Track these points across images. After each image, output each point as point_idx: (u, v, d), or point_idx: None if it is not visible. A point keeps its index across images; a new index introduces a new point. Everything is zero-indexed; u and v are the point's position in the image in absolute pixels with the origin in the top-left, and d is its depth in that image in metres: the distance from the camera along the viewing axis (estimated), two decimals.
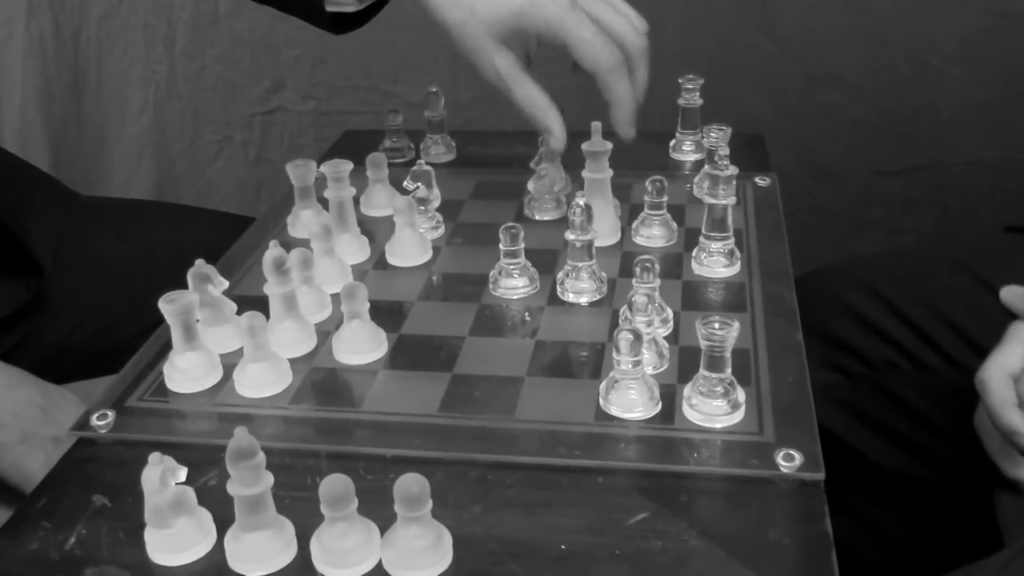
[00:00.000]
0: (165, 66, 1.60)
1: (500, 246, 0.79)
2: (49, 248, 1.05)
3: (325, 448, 0.64)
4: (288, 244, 0.88)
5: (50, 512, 0.61)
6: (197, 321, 0.70)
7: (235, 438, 0.54)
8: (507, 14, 0.77)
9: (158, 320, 1.09)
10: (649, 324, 0.68)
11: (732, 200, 0.78)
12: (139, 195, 1.63)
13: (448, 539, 0.55)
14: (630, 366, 0.64)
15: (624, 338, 0.63)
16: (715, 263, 0.80)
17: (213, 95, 1.62)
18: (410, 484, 0.54)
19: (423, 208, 0.87)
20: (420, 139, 1.09)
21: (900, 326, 0.98)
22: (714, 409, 0.64)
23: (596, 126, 0.84)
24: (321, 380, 0.70)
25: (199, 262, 0.73)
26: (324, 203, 0.91)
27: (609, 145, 0.84)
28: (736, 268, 0.81)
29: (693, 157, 1.04)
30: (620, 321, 0.74)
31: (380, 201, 0.93)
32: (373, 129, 1.23)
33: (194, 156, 1.66)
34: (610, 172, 0.84)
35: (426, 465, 0.62)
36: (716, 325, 0.62)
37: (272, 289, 0.71)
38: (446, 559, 0.55)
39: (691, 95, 1.02)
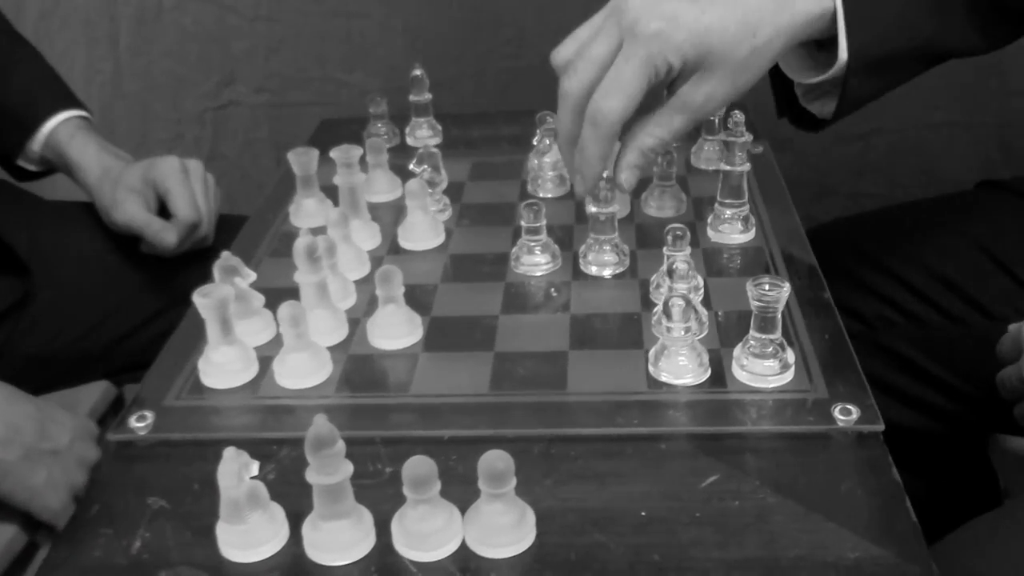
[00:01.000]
0: (110, 64, 1.55)
1: (521, 223, 0.78)
2: (22, 252, 1.01)
3: (380, 434, 0.63)
4: (292, 235, 0.86)
5: (106, 518, 0.59)
6: None
7: (315, 426, 0.53)
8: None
9: (146, 320, 1.07)
10: (696, 290, 0.68)
11: (747, 166, 0.79)
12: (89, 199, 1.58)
13: (531, 515, 0.55)
14: (682, 332, 0.65)
15: (677, 304, 0.64)
16: (731, 229, 0.81)
17: (162, 92, 1.58)
18: (495, 460, 0.53)
19: (431, 191, 0.87)
20: (403, 124, 1.08)
21: (890, 282, 1.00)
22: (765, 369, 0.65)
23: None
24: (361, 367, 0.69)
25: (225, 254, 0.71)
26: (327, 191, 0.89)
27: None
28: (751, 234, 0.82)
29: None
30: (652, 290, 0.74)
31: (381, 186, 0.92)
32: (349, 117, 1.21)
33: (144, 156, 1.61)
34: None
35: (485, 444, 0.61)
36: (767, 286, 0.63)
37: (304, 277, 0.70)
38: (531, 535, 0.55)
39: None
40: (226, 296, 0.66)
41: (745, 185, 0.80)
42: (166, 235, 0.97)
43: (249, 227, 0.90)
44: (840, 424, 0.62)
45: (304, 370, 0.67)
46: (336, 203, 0.89)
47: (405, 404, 0.66)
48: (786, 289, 0.62)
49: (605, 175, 0.74)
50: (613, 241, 0.78)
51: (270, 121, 1.61)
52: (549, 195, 0.91)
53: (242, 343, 0.68)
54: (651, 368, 0.67)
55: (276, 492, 0.56)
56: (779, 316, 0.64)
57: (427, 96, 1.04)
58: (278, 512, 0.56)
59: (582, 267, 0.79)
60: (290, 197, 0.94)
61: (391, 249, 0.84)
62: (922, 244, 1.01)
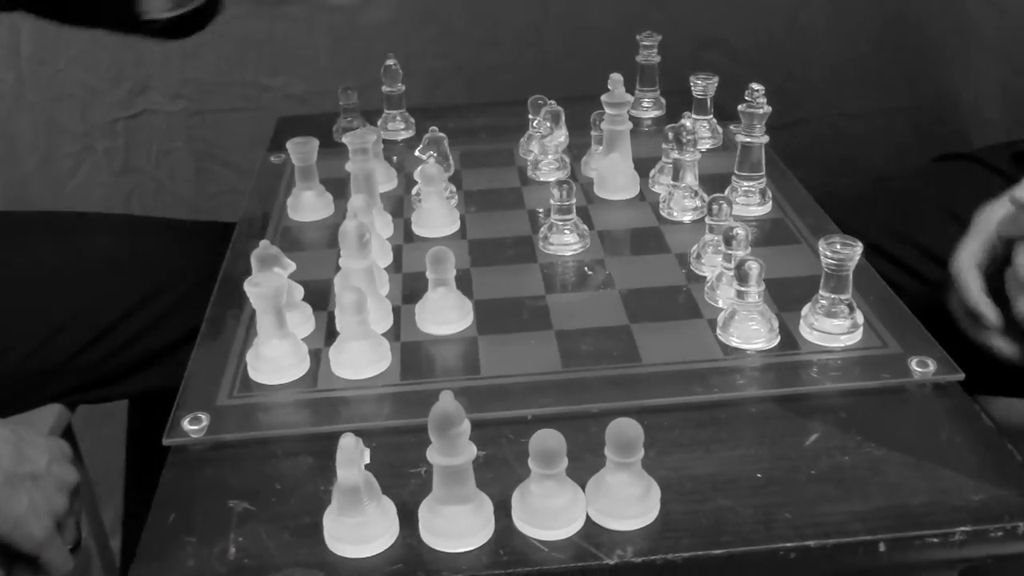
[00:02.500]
0: (12, 74, 1.45)
1: (552, 202, 0.77)
2: None
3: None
4: (291, 229, 0.82)
5: (187, 526, 0.54)
6: None
7: (441, 403, 0.50)
8: None
9: (103, 332, 1.00)
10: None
11: (766, 138, 0.80)
12: None
13: (656, 486, 0.53)
14: (756, 297, 0.64)
15: (751, 268, 0.63)
16: (749, 202, 0.82)
17: (69, 102, 1.48)
18: (625, 427, 0.52)
19: None
20: (371, 117, 1.04)
21: (868, 253, 1.03)
22: (836, 328, 0.65)
23: (616, 78, 0.83)
24: (419, 353, 0.66)
25: (264, 243, 0.67)
26: (336, 183, 0.86)
27: (630, 98, 0.84)
28: (768, 206, 0.83)
29: (653, 113, 1.05)
30: (693, 260, 0.74)
31: (378, 176, 0.88)
32: (306, 115, 1.17)
33: (50, 170, 1.51)
34: (629, 124, 0.84)
35: (570, 420, 0.60)
36: (838, 245, 0.63)
37: (353, 263, 0.66)
38: (656, 506, 0.53)
39: (649, 52, 1.03)
40: (280, 286, 0.62)
41: (763, 158, 0.81)
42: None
43: (244, 227, 0.85)
44: (917, 376, 0.62)
45: (365, 359, 0.64)
46: (334, 195, 0.86)
47: (478, 387, 0.63)
48: (859, 248, 0.63)
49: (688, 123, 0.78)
50: (693, 188, 0.80)
51: (188, 129, 1.53)
52: (551, 179, 0.90)
53: (294, 336, 0.64)
54: (720, 334, 0.66)
55: None
56: (850, 275, 0.64)
57: (400, 87, 1.01)
58: (389, 504, 0.53)
59: (664, 213, 0.82)
60: (274, 193, 0.90)
61: (406, 237, 0.81)
62: (894, 215, 1.04)
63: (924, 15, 1.53)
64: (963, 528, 0.52)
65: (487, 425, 0.60)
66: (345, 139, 0.79)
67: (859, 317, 0.65)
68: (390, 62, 1.00)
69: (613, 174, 0.85)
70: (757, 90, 0.78)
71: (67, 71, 1.47)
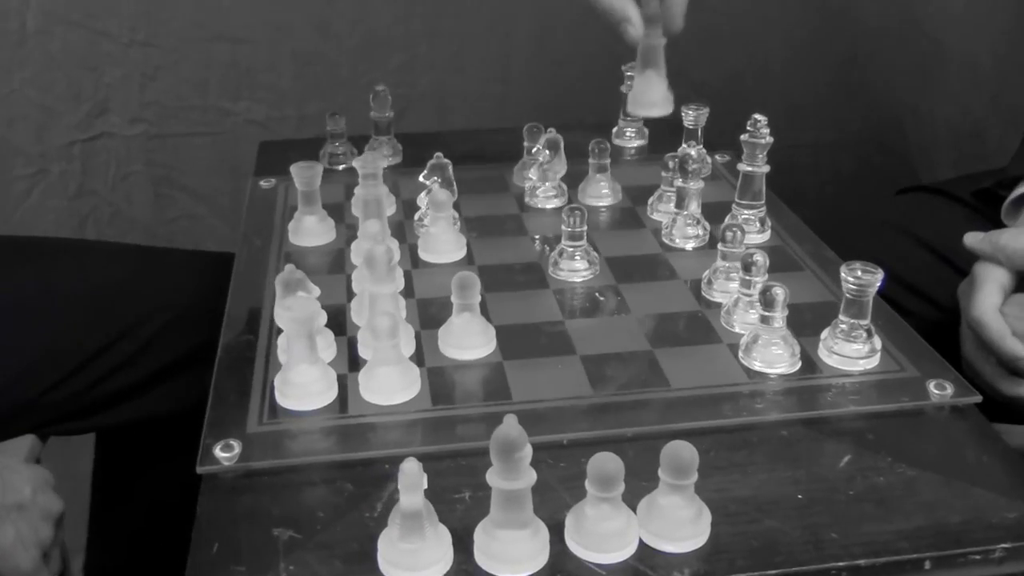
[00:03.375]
0: None
1: (563, 227, 0.77)
2: None
3: None
4: (292, 255, 0.82)
5: (234, 556, 0.53)
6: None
7: (505, 426, 0.50)
8: None
9: (80, 365, 0.97)
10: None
11: (767, 168, 0.82)
12: None
13: (707, 509, 0.54)
14: (781, 322, 0.66)
15: (777, 294, 0.65)
16: (750, 230, 0.83)
17: (24, 124, 1.44)
18: (680, 449, 0.52)
19: None
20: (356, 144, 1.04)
21: None
22: (855, 352, 0.67)
23: None
24: (446, 379, 0.66)
25: (289, 267, 0.66)
26: (329, 208, 0.85)
27: (661, 14, 0.82)
28: (768, 234, 0.84)
29: (636, 143, 1.07)
30: (704, 286, 0.75)
31: None
32: (286, 139, 1.16)
33: (2, 193, 1.47)
34: (664, 40, 0.83)
35: (608, 444, 0.60)
36: (859, 272, 0.65)
37: (382, 288, 0.66)
38: (708, 528, 0.54)
39: (632, 81, 1.04)
40: (314, 311, 0.61)
41: (764, 187, 0.83)
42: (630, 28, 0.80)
43: (245, 256, 0.83)
44: (936, 399, 0.64)
45: (396, 385, 0.63)
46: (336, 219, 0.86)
47: (511, 412, 0.63)
48: (880, 274, 0.65)
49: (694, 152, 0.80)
50: (695, 216, 0.82)
51: (147, 153, 1.50)
52: (550, 206, 0.90)
53: (323, 362, 0.64)
54: (743, 358, 0.67)
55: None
56: (871, 301, 0.66)
57: (389, 114, 1.01)
58: (444, 531, 0.52)
59: (666, 240, 0.83)
60: (269, 219, 0.89)
61: (412, 263, 0.81)
62: (865, 244, 1.07)
63: (876, 56, 1.58)
64: (1003, 545, 0.53)
65: None
66: (355, 163, 0.79)
67: (877, 342, 0.67)
68: (380, 88, 1.00)
69: (646, 89, 0.84)
70: (760, 120, 0.80)
71: (22, 91, 1.43)
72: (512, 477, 0.51)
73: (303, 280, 0.66)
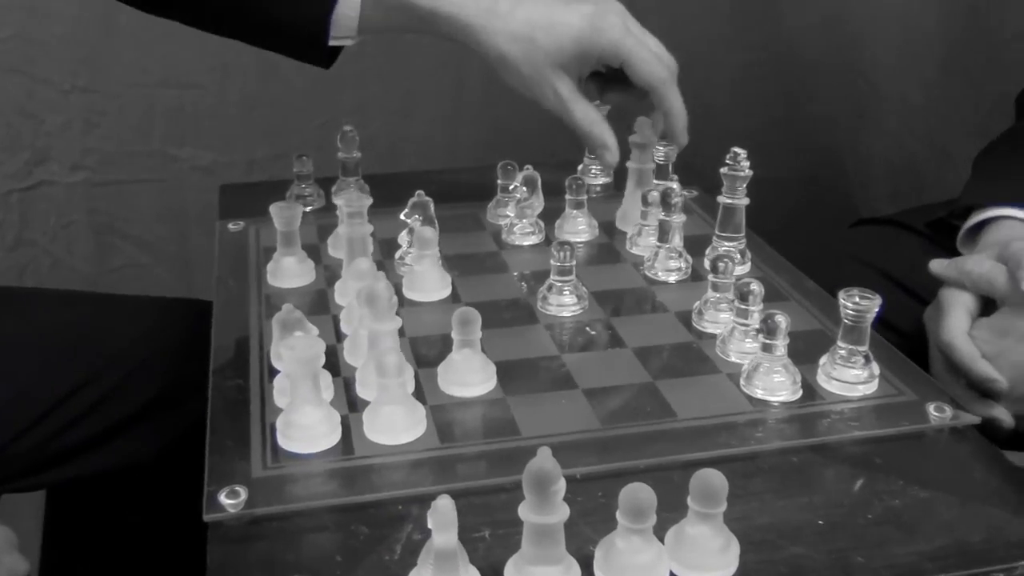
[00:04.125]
0: None
1: (552, 262, 0.77)
2: None
3: (511, 480, 0.59)
4: (272, 297, 0.80)
5: None
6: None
7: (538, 460, 0.49)
8: (569, 41, 0.78)
9: (41, 417, 0.93)
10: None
11: (746, 200, 0.83)
12: None
13: (735, 539, 0.53)
14: (783, 350, 0.66)
15: (779, 321, 0.65)
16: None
17: None
18: (710, 477, 0.52)
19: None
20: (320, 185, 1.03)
21: None
22: (854, 378, 0.67)
23: (644, 121, 0.89)
24: (450, 416, 0.65)
25: (287, 307, 0.65)
26: (309, 249, 0.83)
27: (655, 138, 0.89)
28: (748, 265, 0.85)
29: (602, 181, 1.07)
30: (695, 316, 0.75)
31: None
32: (247, 182, 1.14)
33: None
34: (653, 164, 0.90)
35: (620, 477, 0.59)
36: (857, 298, 0.66)
37: (383, 325, 0.64)
38: (736, 559, 0.53)
39: None
40: (319, 350, 0.60)
41: (742, 219, 0.84)
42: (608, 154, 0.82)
43: (223, 300, 0.81)
44: (935, 422, 0.65)
45: (402, 424, 0.62)
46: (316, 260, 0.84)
47: (522, 448, 0.62)
48: (878, 300, 0.66)
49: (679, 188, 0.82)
50: (678, 249, 0.83)
51: (88, 201, 1.47)
52: (527, 243, 0.90)
53: (326, 403, 0.62)
54: (744, 387, 0.68)
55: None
56: (868, 327, 0.67)
57: (356, 155, 1.00)
58: (474, 570, 0.51)
59: (649, 273, 0.84)
60: (243, 263, 0.87)
61: (399, 301, 0.79)
62: (826, 275, 1.09)
63: (816, 95, 1.63)
64: None
65: None
66: (338, 201, 0.78)
67: (876, 368, 0.68)
68: (347, 128, 0.99)
69: (634, 208, 0.91)
70: (740, 153, 0.81)
71: None
72: (547, 511, 0.50)
73: (301, 320, 0.65)
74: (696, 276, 0.84)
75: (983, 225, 0.94)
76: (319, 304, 0.79)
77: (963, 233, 0.96)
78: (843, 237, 1.18)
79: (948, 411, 0.66)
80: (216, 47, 1.41)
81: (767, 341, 0.66)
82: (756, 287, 0.69)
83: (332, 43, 0.81)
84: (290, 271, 0.81)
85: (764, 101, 1.61)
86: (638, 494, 0.50)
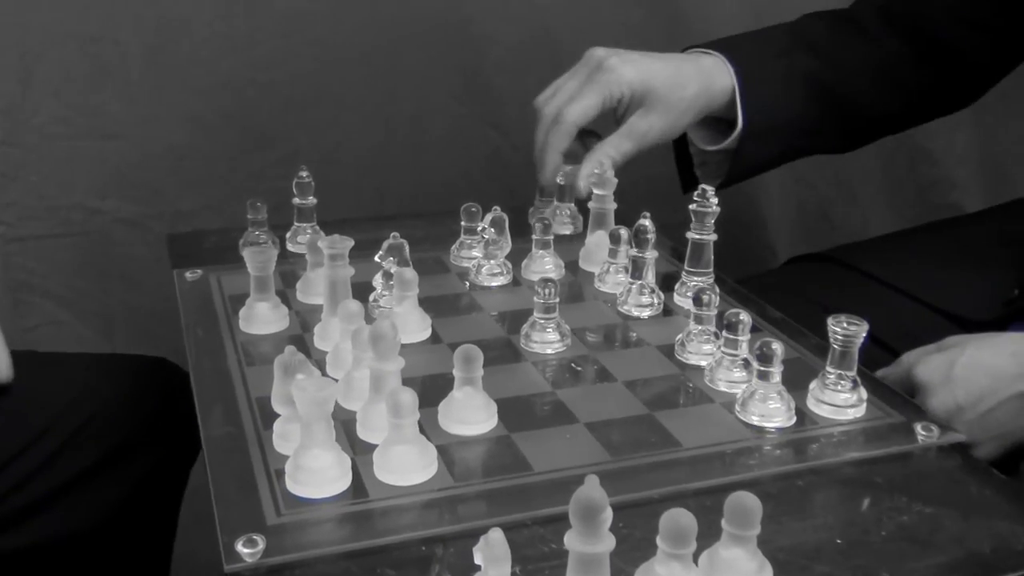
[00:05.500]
0: None
1: (536, 300, 0.77)
2: None
3: (531, 515, 0.59)
4: (247, 344, 0.78)
5: None
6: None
7: (586, 488, 0.49)
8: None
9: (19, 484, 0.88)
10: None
11: (714, 236, 0.85)
12: None
13: (768, 563, 0.54)
14: (778, 377, 0.68)
15: (775, 349, 0.67)
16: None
17: None
18: (743, 499, 0.52)
19: (391, 283, 0.82)
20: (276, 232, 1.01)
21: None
22: (844, 402, 0.69)
23: (605, 162, 0.95)
24: (461, 454, 0.64)
25: (290, 349, 0.63)
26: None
27: (615, 180, 0.93)
28: (716, 299, 0.87)
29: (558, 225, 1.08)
30: (678, 347, 0.77)
31: (321, 288, 0.85)
32: (197, 229, 1.11)
33: None
34: (614, 205, 0.93)
35: (637, 507, 0.60)
36: (845, 323, 0.68)
37: (389, 365, 0.64)
38: None
39: None
40: (332, 391, 0.58)
41: (711, 254, 0.86)
42: None
43: (195, 350, 0.78)
44: (923, 441, 0.68)
45: (416, 464, 0.61)
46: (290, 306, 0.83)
47: (537, 484, 0.62)
48: (865, 326, 0.68)
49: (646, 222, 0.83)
50: (650, 285, 0.85)
51: (4, 257, 1.40)
52: (495, 284, 0.90)
53: (337, 447, 0.60)
54: (740, 414, 0.69)
55: None
56: (856, 352, 0.69)
57: (311, 200, 0.99)
58: None
59: (622, 309, 0.85)
60: (210, 312, 0.85)
61: None
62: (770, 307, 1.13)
63: None
64: None
65: (562, 518, 0.59)
66: (321, 244, 0.77)
67: (864, 391, 0.70)
68: (303, 173, 0.98)
69: (598, 249, 0.93)
70: (708, 190, 0.84)
71: None
72: (594, 541, 0.49)
73: (304, 362, 0.63)
74: (667, 311, 0.86)
75: None
76: (299, 350, 0.78)
77: None
78: (778, 272, 1.22)
79: (935, 430, 0.68)
80: (142, 96, 1.39)
81: (763, 368, 0.67)
82: (744, 317, 0.71)
83: None
84: (264, 317, 0.80)
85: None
86: (680, 519, 0.51)
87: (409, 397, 0.59)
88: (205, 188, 1.45)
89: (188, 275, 0.91)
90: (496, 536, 0.47)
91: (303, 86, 1.44)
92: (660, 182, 1.28)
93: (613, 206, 0.94)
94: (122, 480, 0.97)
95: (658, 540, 0.51)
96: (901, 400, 0.73)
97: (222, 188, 1.46)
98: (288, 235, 1.00)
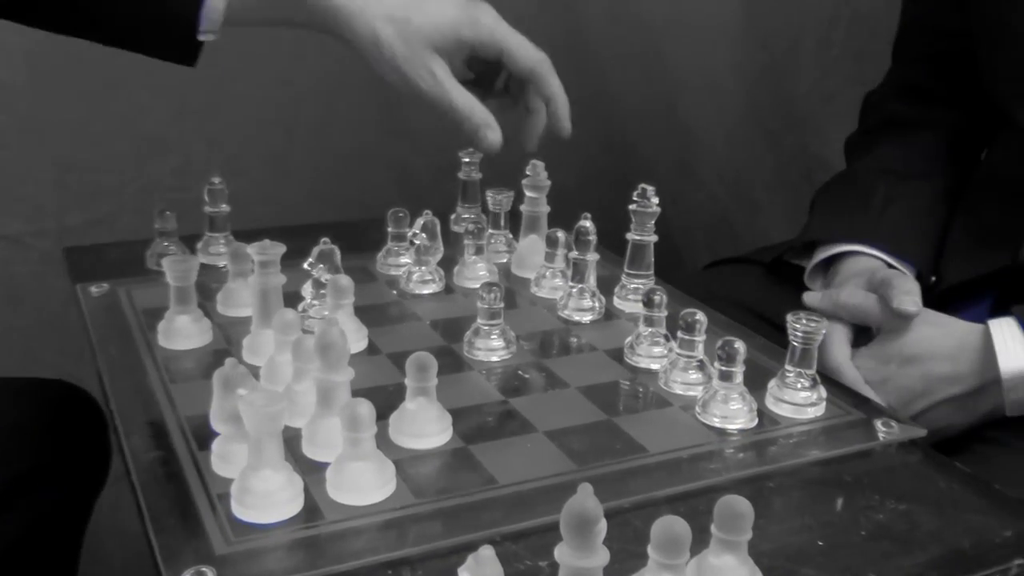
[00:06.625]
0: None
1: (480, 305, 0.74)
2: None
3: (501, 531, 0.55)
4: (169, 360, 0.73)
5: None
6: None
7: (579, 498, 0.46)
8: (446, 25, 0.76)
9: None
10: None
11: (655, 237, 0.83)
12: None
13: (758, 571, 0.52)
14: (740, 377, 0.66)
15: (738, 348, 0.65)
16: (640, 299, 0.83)
17: None
18: (734, 503, 0.50)
19: (323, 292, 0.78)
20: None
21: None
22: (804, 400, 0.68)
23: (538, 164, 0.88)
24: (418, 470, 0.60)
25: (231, 361, 0.58)
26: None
27: (548, 182, 0.88)
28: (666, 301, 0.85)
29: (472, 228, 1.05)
30: (627, 351, 0.74)
31: (244, 299, 0.80)
32: (95, 244, 1.03)
33: None
34: (547, 208, 0.89)
35: (609, 517, 0.57)
36: (804, 320, 0.67)
37: (339, 376, 0.59)
38: None
39: (471, 168, 1.03)
40: (283, 405, 0.54)
41: (651, 256, 0.84)
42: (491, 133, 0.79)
43: (108, 369, 0.72)
44: (884, 437, 0.67)
45: (375, 482, 0.57)
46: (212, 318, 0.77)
47: (504, 496, 0.58)
48: (824, 323, 0.67)
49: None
50: (592, 289, 0.82)
51: None
52: (427, 291, 0.86)
53: (288, 466, 0.56)
54: (702, 417, 0.67)
55: None
56: (815, 350, 0.68)
57: (224, 208, 0.93)
58: None
59: (563, 314, 0.82)
60: (123, 327, 0.78)
61: None
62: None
63: (638, 145, 1.68)
64: (1017, 561, 0.55)
65: (534, 533, 0.55)
66: (251, 250, 0.71)
67: (823, 390, 0.69)
68: (216, 180, 0.92)
69: (531, 253, 0.90)
70: (648, 189, 0.82)
71: None
72: (588, 554, 0.46)
73: (246, 375, 0.58)
74: (609, 315, 0.83)
75: (831, 261, 0.99)
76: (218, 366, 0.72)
77: (811, 268, 1.00)
78: (698, 275, 1.21)
79: (895, 426, 0.67)
80: (24, 105, 1.30)
81: (725, 368, 0.65)
82: (701, 317, 0.69)
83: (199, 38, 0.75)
84: (186, 331, 0.74)
85: (585, 151, 1.64)
86: (673, 527, 0.48)
87: (367, 409, 0.55)
88: (92, 203, 1.37)
89: (93, 290, 0.85)
90: (487, 554, 0.44)
91: (199, 91, 1.37)
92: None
93: (546, 209, 0.91)
94: (17, 517, 0.89)
95: (649, 550, 0.48)
96: (856, 397, 0.72)
97: (111, 201, 1.38)
98: (199, 245, 0.94)
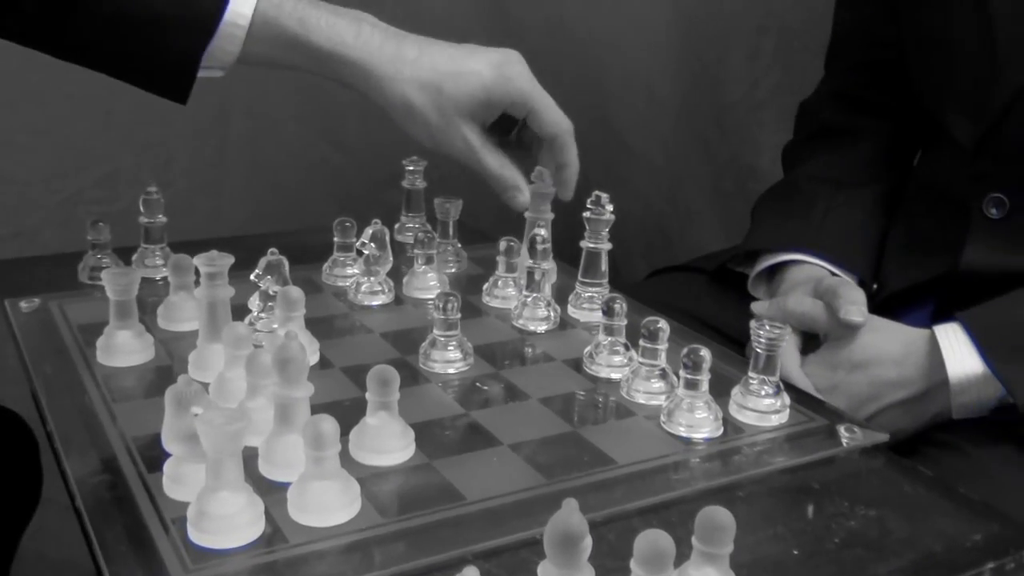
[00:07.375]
0: None
1: (436, 316, 0.72)
2: None
3: (472, 550, 0.53)
4: (109, 378, 0.69)
5: None
6: None
7: (564, 513, 0.45)
8: (478, 89, 0.75)
9: None
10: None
11: (609, 245, 0.82)
12: None
13: None
14: (706, 385, 0.65)
15: (704, 356, 0.64)
16: (594, 307, 0.83)
17: None
18: (714, 514, 0.49)
19: (271, 304, 0.75)
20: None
21: None
22: (767, 407, 0.67)
23: (544, 171, 0.85)
24: (381, 487, 0.58)
25: (184, 378, 0.55)
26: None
27: (554, 189, 0.85)
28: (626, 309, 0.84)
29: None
30: (586, 360, 0.73)
31: (187, 313, 0.77)
32: (25, 256, 0.98)
33: None
34: (552, 215, 0.87)
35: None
36: (767, 326, 0.66)
37: (299, 392, 0.56)
38: None
39: (415, 177, 1.01)
40: (243, 423, 0.51)
41: (605, 264, 0.83)
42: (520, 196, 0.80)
43: (44, 389, 0.68)
44: (848, 443, 0.66)
45: (337, 501, 0.54)
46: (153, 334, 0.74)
47: (475, 514, 0.56)
48: (787, 330, 0.66)
49: (543, 232, 0.80)
50: (547, 298, 0.81)
51: None
52: (376, 303, 0.84)
53: (248, 486, 0.53)
54: (667, 426, 0.66)
55: None
56: (778, 357, 0.67)
57: (161, 219, 0.89)
58: None
59: (518, 324, 0.80)
60: (57, 344, 0.75)
61: None
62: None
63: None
64: (989, 565, 0.55)
65: (506, 550, 0.54)
66: (197, 261, 0.68)
67: (787, 396, 0.68)
68: (151, 189, 0.89)
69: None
70: (602, 196, 0.80)
71: None
72: (574, 571, 0.44)
73: (200, 392, 0.55)
74: (564, 324, 0.82)
75: (774, 269, 0.99)
76: (169, 382, 0.69)
77: (754, 276, 1.00)
78: (643, 284, 1.21)
79: (857, 432, 0.67)
80: None
81: (691, 376, 0.64)
82: (663, 325, 0.68)
83: (201, 75, 0.72)
84: (127, 347, 0.70)
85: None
86: (659, 542, 0.46)
87: (331, 426, 0.52)
88: (13, 215, 1.31)
89: (23, 305, 0.80)
90: (472, 572, 0.42)
91: (125, 100, 1.32)
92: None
93: (552, 215, 0.88)
94: None
95: (632, 565, 0.47)
96: (816, 403, 0.71)
97: (33, 214, 1.32)
98: (135, 258, 0.90)
